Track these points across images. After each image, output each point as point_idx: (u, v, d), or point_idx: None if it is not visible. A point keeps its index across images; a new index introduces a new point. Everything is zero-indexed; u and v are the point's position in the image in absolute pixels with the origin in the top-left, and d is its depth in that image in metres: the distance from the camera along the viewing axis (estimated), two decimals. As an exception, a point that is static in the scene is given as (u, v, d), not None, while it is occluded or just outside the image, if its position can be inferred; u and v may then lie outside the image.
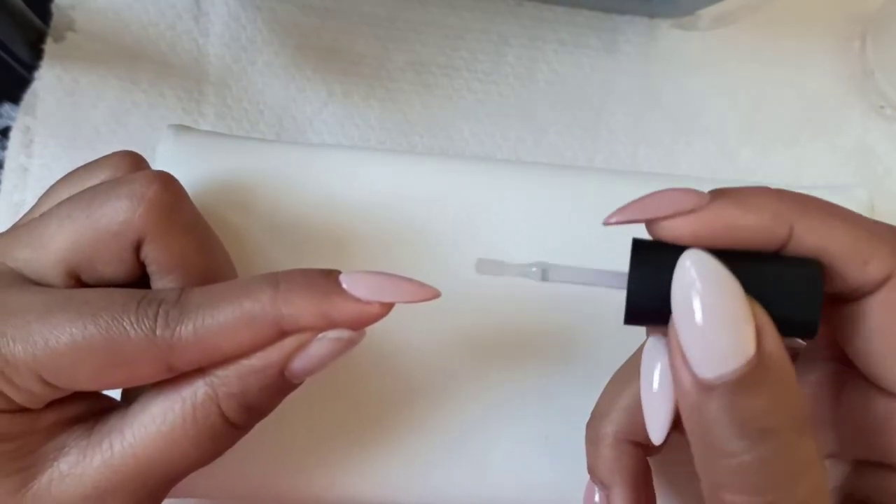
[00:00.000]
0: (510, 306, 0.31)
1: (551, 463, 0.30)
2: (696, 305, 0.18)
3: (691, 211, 0.20)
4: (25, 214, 0.27)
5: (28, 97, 0.39)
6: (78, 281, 0.24)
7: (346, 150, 0.33)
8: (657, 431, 0.22)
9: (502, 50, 0.43)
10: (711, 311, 0.18)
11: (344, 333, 0.23)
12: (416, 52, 0.43)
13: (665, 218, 0.21)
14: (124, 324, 0.22)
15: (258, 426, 0.25)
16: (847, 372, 0.23)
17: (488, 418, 0.30)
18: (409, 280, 0.23)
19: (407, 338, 0.30)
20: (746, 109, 0.44)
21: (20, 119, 0.39)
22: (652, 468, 0.26)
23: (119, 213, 0.24)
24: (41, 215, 0.25)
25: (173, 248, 0.24)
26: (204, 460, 0.24)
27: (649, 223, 0.21)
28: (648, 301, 0.20)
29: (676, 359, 0.19)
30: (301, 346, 0.22)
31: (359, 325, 0.23)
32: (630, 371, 0.26)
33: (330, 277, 0.23)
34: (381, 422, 0.30)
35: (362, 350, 0.23)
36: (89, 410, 0.24)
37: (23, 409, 0.23)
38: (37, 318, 0.22)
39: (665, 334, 0.21)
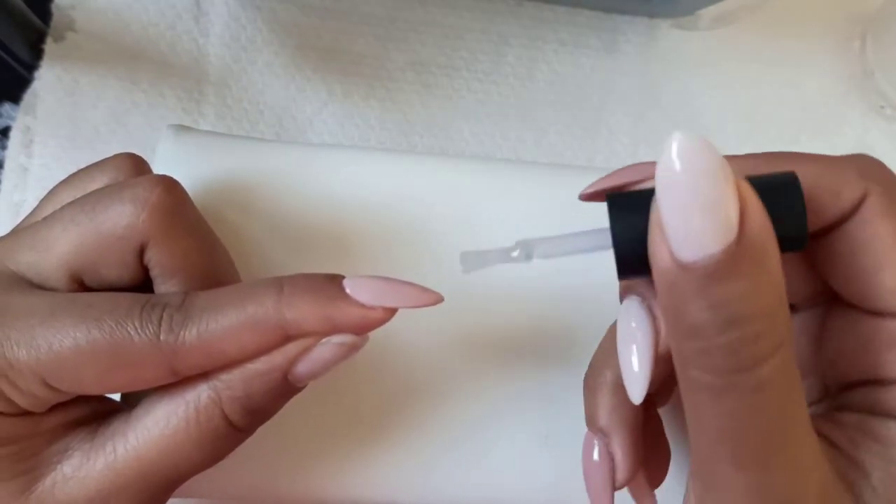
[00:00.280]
0: (510, 306, 0.31)
1: (551, 463, 0.30)
2: (678, 183, 0.17)
3: None
4: (27, 217, 0.27)
5: (28, 97, 0.39)
6: (81, 285, 0.24)
7: (346, 149, 0.33)
8: (636, 393, 0.22)
9: (502, 50, 0.43)
10: (693, 191, 0.17)
11: (347, 338, 0.23)
12: (416, 52, 0.42)
13: (638, 182, 0.22)
14: (128, 328, 0.22)
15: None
16: (830, 311, 0.24)
17: (488, 418, 0.30)
18: (412, 285, 0.23)
19: (407, 338, 0.30)
20: (746, 109, 0.44)
21: (20, 119, 0.39)
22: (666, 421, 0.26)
23: (123, 217, 0.24)
24: (44, 219, 0.25)
25: (176, 251, 0.24)
26: (207, 463, 0.24)
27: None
28: (637, 248, 0.20)
29: (656, 235, 0.18)
30: (305, 351, 0.23)
31: (362, 330, 0.23)
32: None
33: (334, 282, 0.23)
34: (382, 422, 0.30)
35: (363, 350, 0.24)
36: (92, 413, 0.24)
37: (26, 413, 0.23)
38: (40, 322, 0.22)
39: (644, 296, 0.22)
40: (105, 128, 0.40)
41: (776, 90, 0.44)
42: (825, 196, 0.21)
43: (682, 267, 0.17)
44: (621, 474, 0.24)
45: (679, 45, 0.44)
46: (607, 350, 0.26)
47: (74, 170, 0.27)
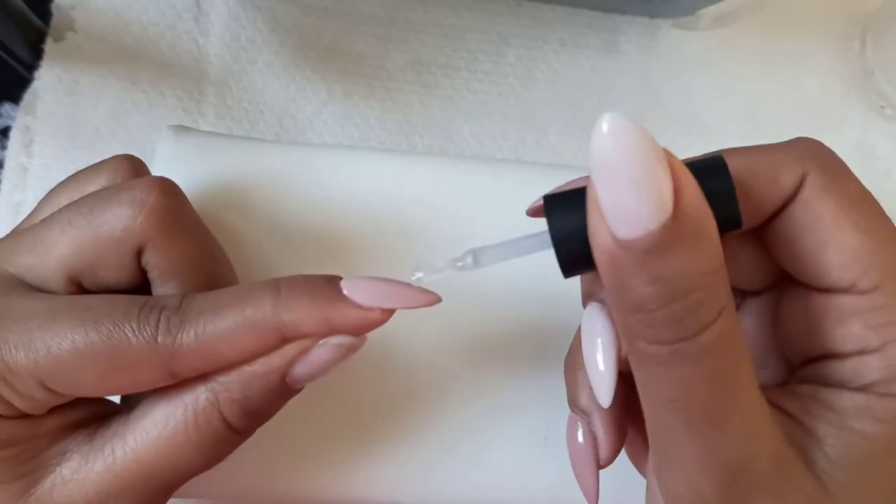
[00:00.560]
0: (510, 307, 0.31)
1: (551, 463, 0.30)
2: (612, 164, 0.17)
3: None
4: (25, 219, 0.27)
5: (28, 97, 0.40)
6: (79, 287, 0.24)
7: (346, 150, 0.33)
8: (603, 393, 0.22)
9: (502, 50, 0.43)
10: (627, 170, 0.17)
11: (345, 339, 0.23)
12: (416, 52, 0.42)
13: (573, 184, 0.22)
14: (126, 331, 0.22)
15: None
16: (786, 292, 0.24)
17: (488, 418, 0.30)
18: (410, 286, 0.23)
19: (406, 338, 0.30)
20: (746, 109, 0.44)
21: (20, 119, 0.39)
22: None
23: (121, 219, 0.24)
24: (42, 221, 0.25)
25: (174, 254, 0.24)
26: (206, 465, 0.24)
27: None
28: (577, 246, 0.20)
29: (594, 216, 0.18)
30: (303, 352, 0.23)
31: (360, 331, 0.23)
32: None
33: (331, 283, 0.23)
34: (381, 422, 0.30)
35: (362, 350, 0.24)
36: (91, 415, 0.24)
37: (25, 415, 0.23)
38: (39, 325, 0.22)
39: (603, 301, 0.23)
40: (105, 128, 0.40)
41: (776, 90, 0.44)
42: (764, 183, 0.22)
43: (622, 245, 0.18)
44: (604, 452, 0.25)
45: (679, 45, 0.44)
46: None
47: (74, 170, 0.27)
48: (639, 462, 0.27)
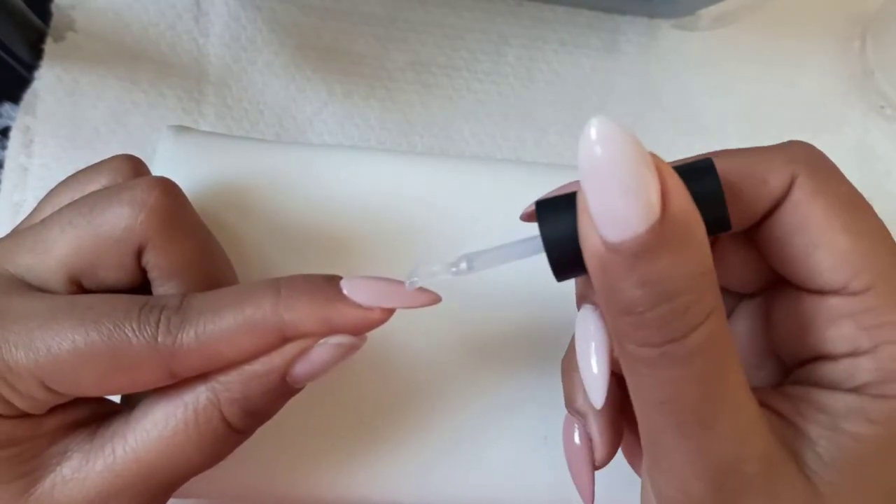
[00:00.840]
0: (510, 307, 0.31)
1: (550, 463, 0.30)
2: (600, 168, 0.18)
3: None
4: (25, 219, 0.27)
5: (28, 97, 0.40)
6: (79, 287, 0.24)
7: (346, 150, 0.33)
8: (597, 394, 0.22)
9: (502, 50, 0.43)
10: (614, 174, 0.17)
11: (345, 339, 0.23)
12: (416, 52, 0.42)
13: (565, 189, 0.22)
14: (126, 331, 0.22)
15: (258, 427, 0.25)
16: (778, 294, 0.24)
17: (488, 419, 0.30)
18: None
19: (406, 338, 0.30)
20: (746, 109, 0.44)
21: (20, 119, 0.39)
22: None
23: (121, 219, 0.24)
24: (42, 221, 0.25)
25: (174, 254, 0.24)
26: (206, 465, 0.24)
27: None
28: (568, 250, 0.20)
29: (584, 220, 0.19)
30: (303, 352, 0.23)
31: (360, 331, 0.23)
32: None
33: (331, 283, 0.23)
34: (381, 422, 0.30)
35: (362, 350, 0.24)
36: (92, 415, 0.24)
37: (25, 415, 0.23)
38: (39, 325, 0.22)
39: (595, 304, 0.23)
40: (105, 128, 0.40)
41: (776, 90, 0.44)
42: (754, 185, 0.22)
43: (611, 248, 0.18)
44: (600, 454, 0.25)
45: (679, 45, 0.44)
46: None
47: (74, 170, 0.27)
48: (635, 463, 0.27)
